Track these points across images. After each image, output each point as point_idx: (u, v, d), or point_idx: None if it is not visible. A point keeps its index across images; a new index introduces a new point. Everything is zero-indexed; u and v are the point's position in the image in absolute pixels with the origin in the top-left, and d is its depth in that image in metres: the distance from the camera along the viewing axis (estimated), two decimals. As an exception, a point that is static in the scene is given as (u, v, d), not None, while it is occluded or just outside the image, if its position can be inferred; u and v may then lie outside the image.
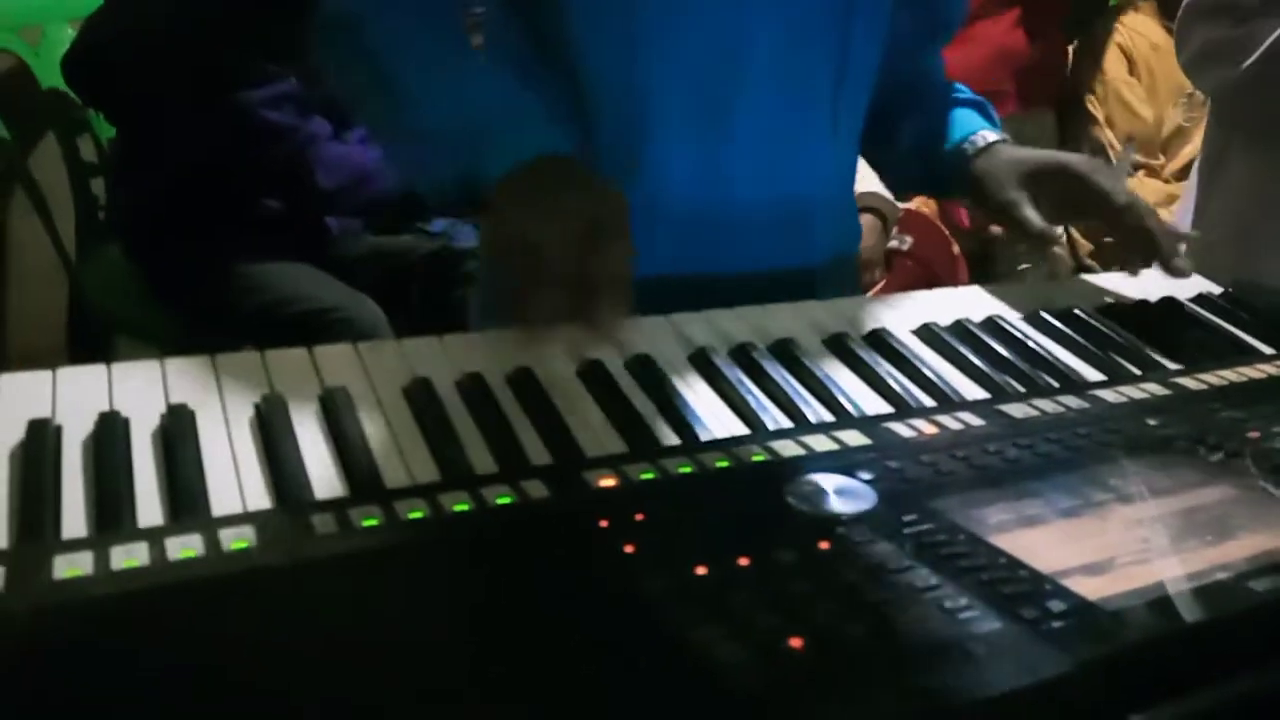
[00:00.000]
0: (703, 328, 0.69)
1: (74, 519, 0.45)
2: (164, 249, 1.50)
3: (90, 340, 1.69)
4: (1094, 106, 2.27)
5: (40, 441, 0.48)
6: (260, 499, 0.48)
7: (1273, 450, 0.56)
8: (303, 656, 0.36)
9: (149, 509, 0.46)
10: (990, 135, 0.87)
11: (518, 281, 0.59)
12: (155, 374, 0.56)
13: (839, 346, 0.69)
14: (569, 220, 0.60)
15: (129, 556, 0.41)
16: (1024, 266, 2.36)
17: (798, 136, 0.83)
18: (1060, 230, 0.81)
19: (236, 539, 0.42)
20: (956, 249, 2.01)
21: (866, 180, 1.07)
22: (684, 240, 0.82)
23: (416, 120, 0.72)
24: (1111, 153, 2.24)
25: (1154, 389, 0.66)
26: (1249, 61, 1.22)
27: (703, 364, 0.64)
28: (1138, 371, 0.71)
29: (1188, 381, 0.68)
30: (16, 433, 0.49)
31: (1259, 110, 1.27)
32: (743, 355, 0.66)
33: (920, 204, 2.04)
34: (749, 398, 0.61)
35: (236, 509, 0.47)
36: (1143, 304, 0.82)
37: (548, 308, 0.57)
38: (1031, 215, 0.80)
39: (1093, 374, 0.70)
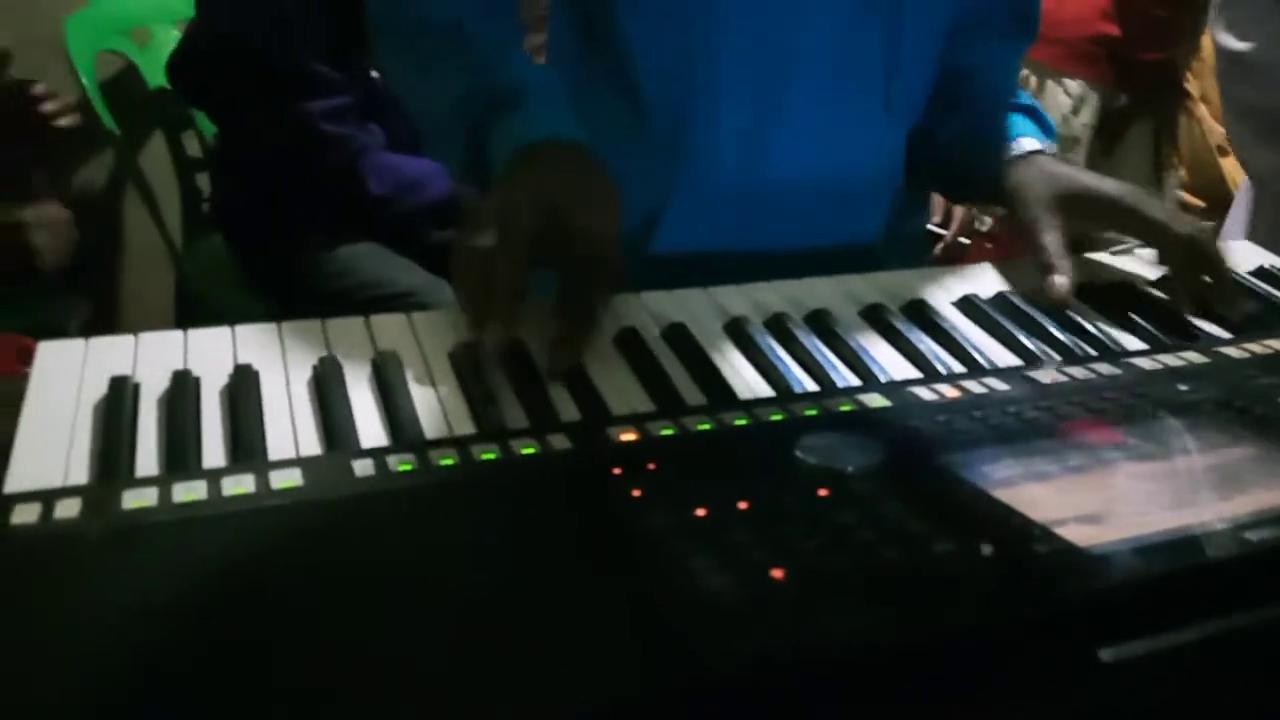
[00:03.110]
0: (741, 299, 0.71)
1: (147, 461, 0.50)
2: (255, 238, 1.59)
3: (194, 325, 1.79)
4: (1190, 83, 2.18)
5: (120, 395, 0.54)
6: (312, 447, 0.53)
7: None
8: (334, 576, 0.40)
9: (213, 454, 0.51)
10: (1031, 143, 0.82)
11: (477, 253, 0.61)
12: (226, 339, 0.61)
13: (875, 317, 0.71)
14: (537, 193, 0.63)
15: (189, 492, 0.45)
16: (1120, 249, 2.30)
17: (848, 116, 0.84)
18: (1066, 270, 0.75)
19: (285, 479, 0.47)
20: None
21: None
22: (735, 216, 0.84)
23: (440, 109, 0.76)
24: (1205, 128, 2.15)
25: (1193, 357, 0.66)
26: None
27: (736, 332, 0.67)
28: (1184, 341, 0.71)
29: (1231, 350, 0.67)
30: (101, 388, 0.55)
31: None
32: (777, 325, 0.68)
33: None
34: (778, 364, 0.63)
35: (290, 455, 0.51)
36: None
37: (495, 277, 0.59)
38: (1051, 243, 0.75)
39: (1136, 344, 0.70)
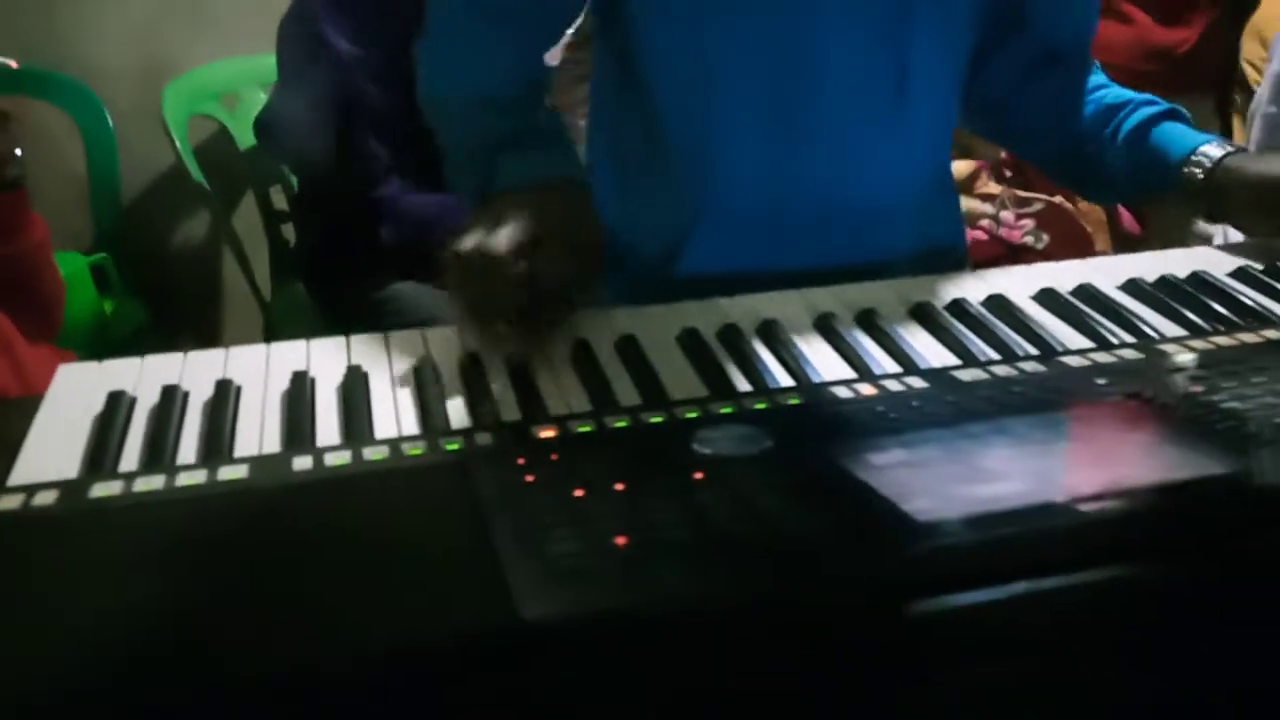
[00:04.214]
0: (699, 313, 0.76)
1: (129, 461, 0.58)
2: (324, 280, 1.72)
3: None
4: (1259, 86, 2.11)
5: (115, 406, 0.62)
6: (274, 447, 0.60)
7: (1209, 402, 0.58)
8: (255, 544, 0.47)
9: (186, 454, 0.59)
10: (1219, 146, 0.87)
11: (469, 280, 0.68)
12: (219, 359, 0.69)
13: (824, 326, 0.74)
14: (516, 231, 0.68)
15: (149, 484, 0.53)
16: None
17: (863, 139, 0.88)
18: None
19: (233, 473, 0.54)
20: (1102, 246, 1.94)
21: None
22: (759, 239, 0.89)
23: (458, 161, 0.84)
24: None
25: (1129, 355, 0.68)
26: None
27: (686, 343, 0.71)
28: (1130, 339, 0.72)
29: (1171, 348, 0.69)
30: (100, 403, 0.63)
31: None
32: (726, 335, 0.72)
33: (1065, 199, 1.97)
34: (721, 369, 0.68)
35: (251, 454, 0.58)
36: (1166, 279, 0.82)
37: (489, 308, 0.67)
38: None
39: (1082, 343, 0.72)
